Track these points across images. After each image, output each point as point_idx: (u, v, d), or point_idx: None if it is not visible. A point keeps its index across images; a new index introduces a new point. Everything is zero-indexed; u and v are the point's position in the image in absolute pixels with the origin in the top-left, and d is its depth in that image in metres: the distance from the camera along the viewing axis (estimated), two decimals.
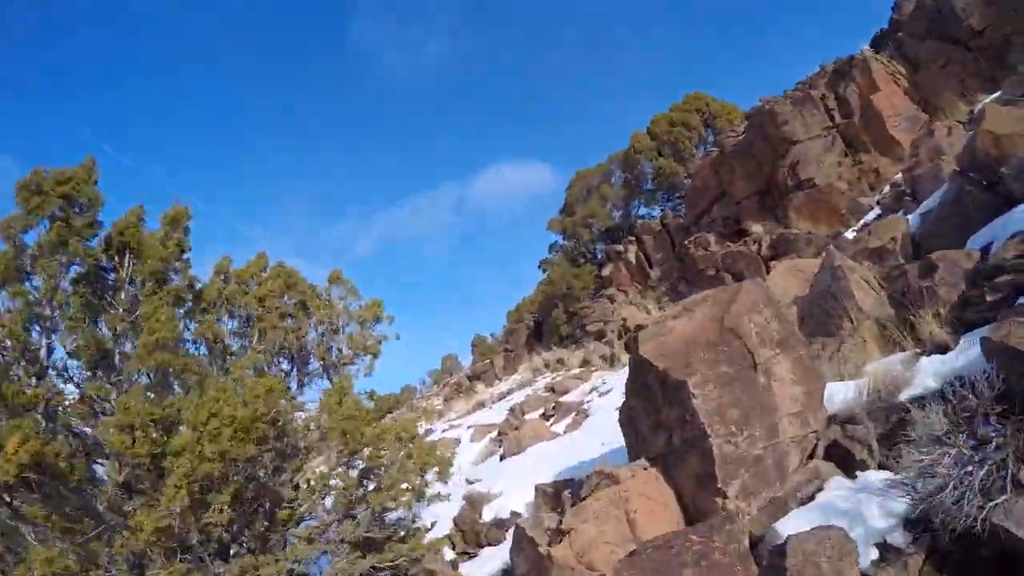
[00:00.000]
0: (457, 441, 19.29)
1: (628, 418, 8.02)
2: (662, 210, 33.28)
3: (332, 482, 7.92)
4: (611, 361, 21.91)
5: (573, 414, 15.20)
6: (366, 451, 7.99)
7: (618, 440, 11.07)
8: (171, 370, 7.79)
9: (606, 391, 16.45)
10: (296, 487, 8.12)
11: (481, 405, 26.52)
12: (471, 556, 10.83)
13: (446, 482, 9.15)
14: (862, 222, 16.05)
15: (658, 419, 7.26)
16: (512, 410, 20.09)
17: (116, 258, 8.56)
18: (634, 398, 7.72)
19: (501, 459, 14.45)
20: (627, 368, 8.35)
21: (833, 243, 16.80)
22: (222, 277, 9.75)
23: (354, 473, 8.22)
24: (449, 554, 10.87)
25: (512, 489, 11.55)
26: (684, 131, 33.27)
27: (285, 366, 10.08)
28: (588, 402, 16.17)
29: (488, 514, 11.38)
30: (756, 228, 21.34)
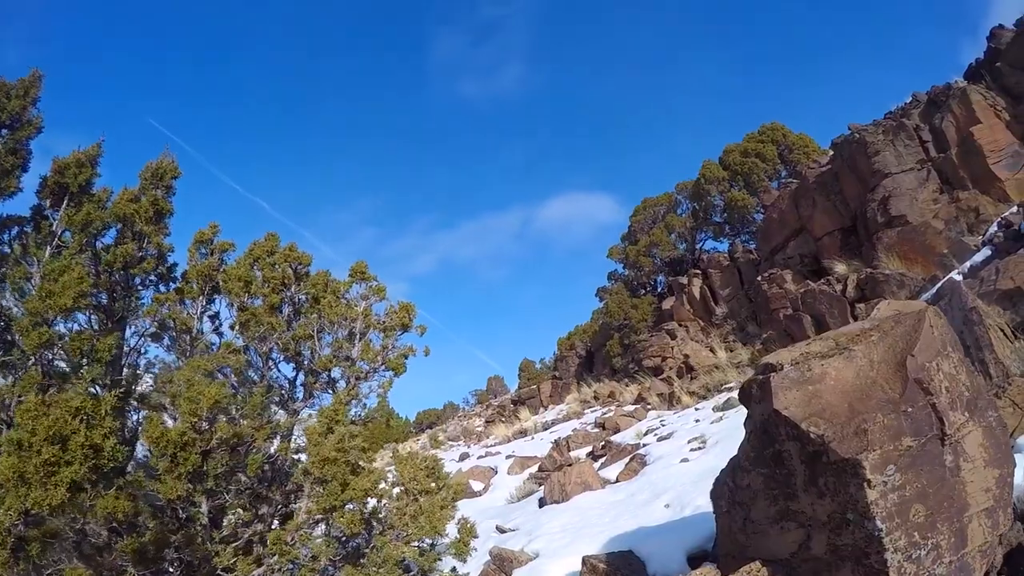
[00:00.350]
0: (493, 470, 17.85)
1: (733, 494, 5.86)
2: (731, 244, 31.40)
3: (300, 549, 6.22)
4: (669, 401, 20.19)
5: (627, 459, 13.48)
6: (348, 509, 6.33)
7: (688, 503, 9.40)
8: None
9: (666, 435, 14.76)
10: (245, 546, 6.46)
11: (523, 433, 25.04)
12: None
13: (464, 560, 7.54)
14: (968, 264, 14.14)
15: (790, 507, 5.12)
16: (557, 443, 18.56)
17: (49, 203, 7.25)
18: (753, 469, 5.48)
19: (540, 505, 12.76)
20: (720, 417, 6.71)
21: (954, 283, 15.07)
22: (204, 250, 8.31)
23: (327, 536, 6.61)
24: None
25: (552, 551, 9.78)
26: (759, 162, 31.41)
27: (289, 372, 8.60)
28: (644, 446, 14.46)
29: None
30: (839, 267, 19.48)
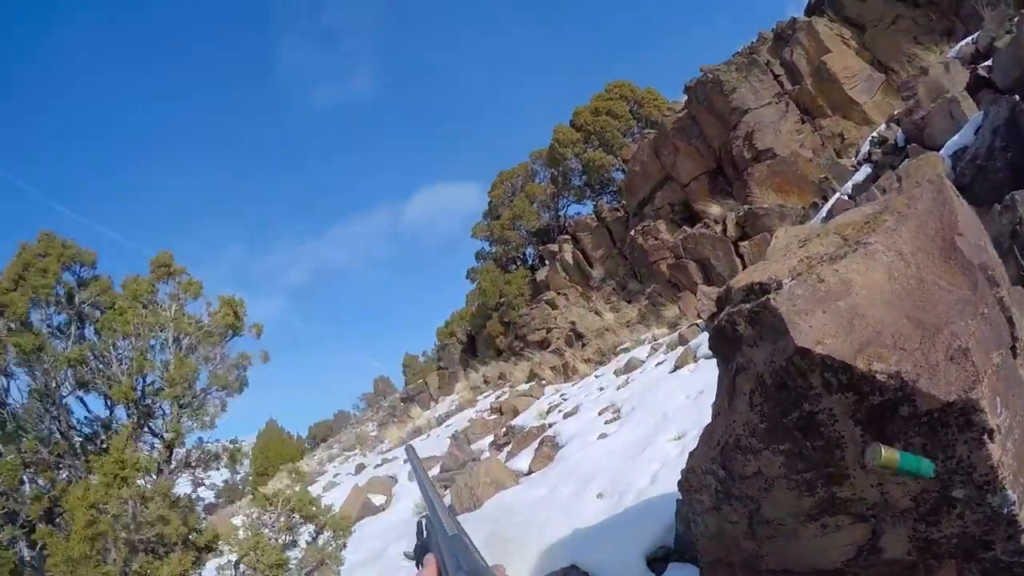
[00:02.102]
0: (393, 479, 16.46)
1: (726, 485, 4.33)
2: (595, 204, 30.85)
3: None
4: (565, 372, 19.26)
5: (536, 444, 12.32)
6: None
7: (625, 489, 8.12)
8: None
9: (571, 410, 13.74)
10: None
11: (418, 432, 23.68)
12: None
13: None
14: (849, 184, 13.78)
15: (836, 495, 3.57)
16: (455, 438, 17.33)
17: None
18: (765, 448, 3.85)
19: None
20: (658, 378, 5.42)
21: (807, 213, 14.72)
22: None
23: None
24: None
25: None
26: (610, 120, 31.00)
27: (101, 409, 6.96)
28: (551, 425, 13.38)
29: None
30: (714, 209, 19.04)
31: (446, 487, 12.77)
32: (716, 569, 4.70)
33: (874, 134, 15.11)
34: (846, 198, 12.97)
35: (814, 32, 18.68)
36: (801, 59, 18.87)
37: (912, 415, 3.08)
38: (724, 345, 4.11)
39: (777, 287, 3.67)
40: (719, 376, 4.48)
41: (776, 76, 19.48)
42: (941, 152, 10.15)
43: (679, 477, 5.27)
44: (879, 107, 17.33)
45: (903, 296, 3.47)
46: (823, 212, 13.37)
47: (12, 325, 6.65)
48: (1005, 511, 3.01)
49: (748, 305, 3.78)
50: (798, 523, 3.86)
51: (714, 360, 11.50)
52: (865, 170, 13.68)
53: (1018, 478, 3.09)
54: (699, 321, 14.25)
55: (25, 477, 6.22)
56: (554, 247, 29.29)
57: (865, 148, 15.01)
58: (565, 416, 13.58)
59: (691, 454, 4.82)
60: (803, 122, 18.51)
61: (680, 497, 6.17)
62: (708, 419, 8.90)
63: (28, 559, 6.07)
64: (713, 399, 8.90)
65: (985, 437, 2.94)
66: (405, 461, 18.02)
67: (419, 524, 1.47)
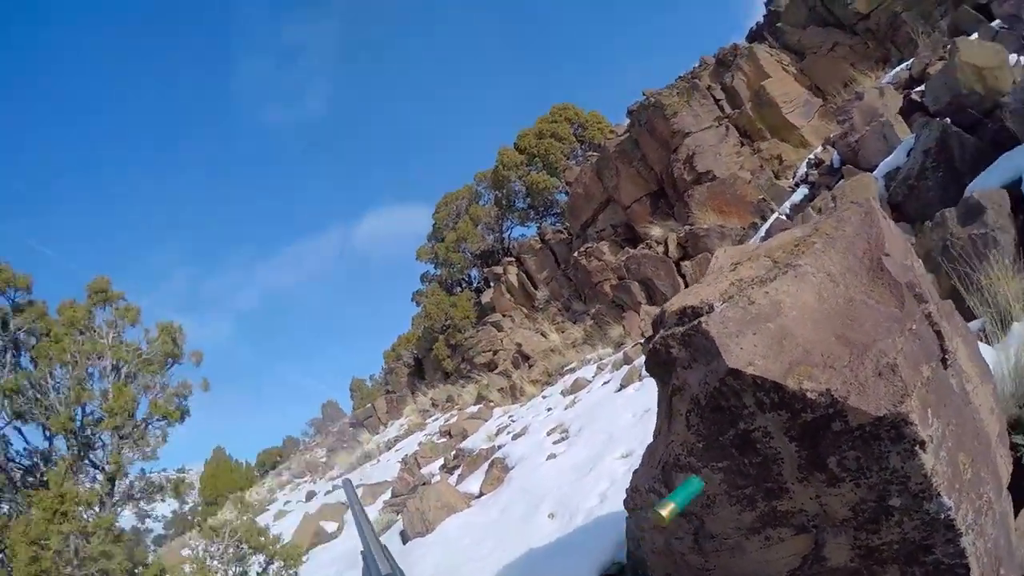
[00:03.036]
0: (345, 506, 16.20)
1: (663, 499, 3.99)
2: (539, 226, 31.06)
3: None
4: (512, 393, 19.30)
5: (486, 466, 12.30)
6: None
7: (576, 509, 8.09)
8: None
9: (520, 431, 13.75)
10: None
11: (367, 457, 23.47)
12: None
13: None
14: (787, 204, 14.14)
15: (777, 508, 3.68)
16: (405, 462, 17.25)
17: None
18: (704, 466, 3.94)
19: (404, 540, 11.07)
20: (605, 398, 5.48)
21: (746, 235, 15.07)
22: None
23: None
24: None
25: None
26: (554, 142, 31.28)
27: (40, 441, 6.81)
28: (500, 447, 13.36)
29: None
30: (655, 230, 19.35)
31: (397, 512, 12.66)
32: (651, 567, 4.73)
33: (811, 156, 15.54)
34: (784, 218, 13.31)
35: (755, 58, 19.23)
36: (742, 84, 19.39)
37: (844, 430, 3.17)
38: (659, 368, 4.10)
39: (709, 310, 3.72)
40: (658, 397, 4.47)
41: (717, 100, 19.97)
42: (875, 173, 10.51)
43: (625, 496, 5.35)
44: (816, 131, 17.86)
45: (832, 315, 3.59)
46: (762, 232, 13.69)
47: None
48: (942, 516, 3.10)
49: (681, 328, 3.81)
50: (742, 537, 3.90)
51: None
52: (802, 191, 14.05)
53: (953, 484, 3.22)
54: (642, 340, 14.43)
55: None
56: (499, 269, 29.37)
57: (802, 170, 15.44)
58: (514, 437, 13.55)
59: (635, 473, 4.84)
60: (743, 145, 18.98)
61: (628, 515, 6.28)
62: (652, 438, 9.00)
63: None
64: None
65: (917, 448, 3.04)
66: (356, 487, 17.85)
67: (363, 557, 1.51)
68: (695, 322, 3.67)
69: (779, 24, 21.06)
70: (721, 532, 3.98)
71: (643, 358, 12.38)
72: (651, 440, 5.06)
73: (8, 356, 7.10)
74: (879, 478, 3.18)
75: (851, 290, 3.69)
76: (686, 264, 16.92)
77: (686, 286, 16.72)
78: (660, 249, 18.13)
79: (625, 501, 4.89)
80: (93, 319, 7.05)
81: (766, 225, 13.88)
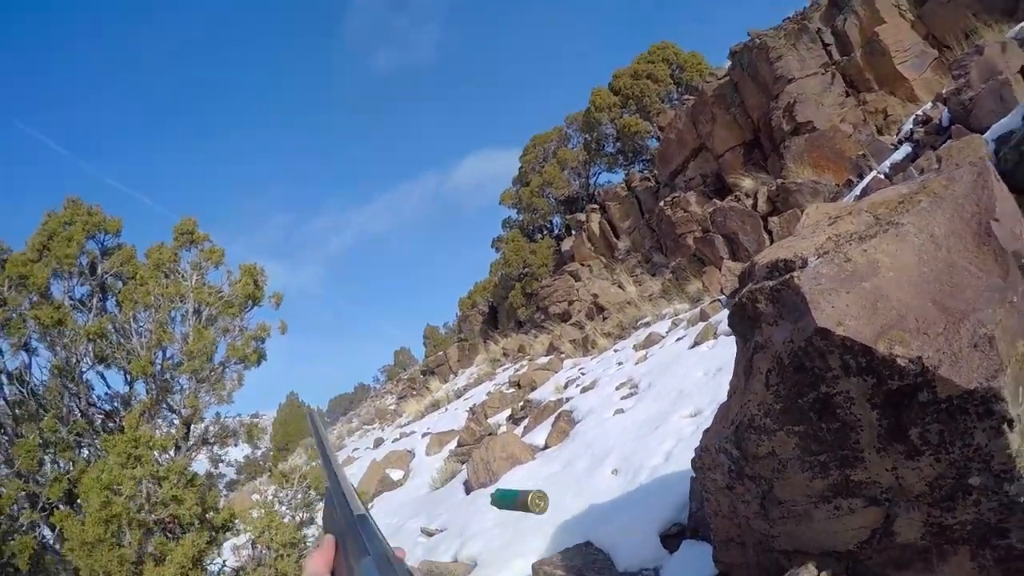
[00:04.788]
0: (411, 453, 16.27)
1: (739, 465, 4.12)
2: (627, 173, 30.10)
3: None
4: (584, 346, 18.80)
5: (552, 418, 11.99)
6: None
7: (640, 465, 7.96)
8: None
9: (589, 384, 13.33)
10: None
11: (436, 405, 23.45)
12: None
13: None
14: (887, 163, 13.09)
15: (850, 478, 3.46)
16: (473, 411, 17.09)
17: None
18: (779, 429, 3.70)
19: (467, 490, 11.08)
20: (665, 355, 5.08)
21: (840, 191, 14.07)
22: None
23: None
24: None
25: (490, 556, 7.96)
26: (650, 84, 29.98)
27: (121, 385, 6.64)
28: (568, 400, 13.00)
29: None
30: (746, 182, 18.31)
31: (462, 462, 12.62)
32: (728, 547, 4.62)
33: (919, 112, 14.39)
34: (882, 177, 12.32)
35: (870, 1, 17.81)
36: (854, 28, 18.00)
37: (931, 401, 3.01)
38: (743, 323, 3.95)
39: (802, 265, 3.55)
40: (736, 354, 4.35)
41: (826, 45, 18.61)
42: (985, 135, 9.51)
43: (693, 455, 5.02)
44: (928, 85, 16.49)
45: (931, 280, 3.35)
46: (857, 190, 12.72)
47: (33, 298, 6.42)
48: (1022, 499, 2.92)
49: (771, 283, 3.66)
50: (811, 504, 3.74)
51: (733, 338, 10.91)
52: (905, 149, 13.02)
53: None
54: (721, 297, 13.72)
55: (46, 458, 6.07)
56: (581, 216, 28.66)
57: (908, 126, 14.32)
58: (583, 390, 13.22)
59: (705, 432, 4.78)
60: (847, 95, 17.69)
61: (694, 475, 5.99)
62: (724, 397, 8.49)
63: (50, 543, 5.92)
64: (730, 377, 8.46)
65: (1004, 426, 2.86)
66: (424, 435, 17.75)
67: (327, 498, 1.18)
68: (786, 276, 3.51)
69: None
70: (790, 499, 3.84)
71: (720, 315, 11.83)
72: (724, 399, 4.79)
73: (95, 300, 7.15)
74: (961, 454, 3.02)
75: (954, 254, 3.44)
76: (774, 220, 15.95)
77: (772, 243, 15.82)
78: (749, 202, 17.18)
79: (693, 460, 4.83)
80: (178, 261, 7.03)
81: (862, 184, 12.90)
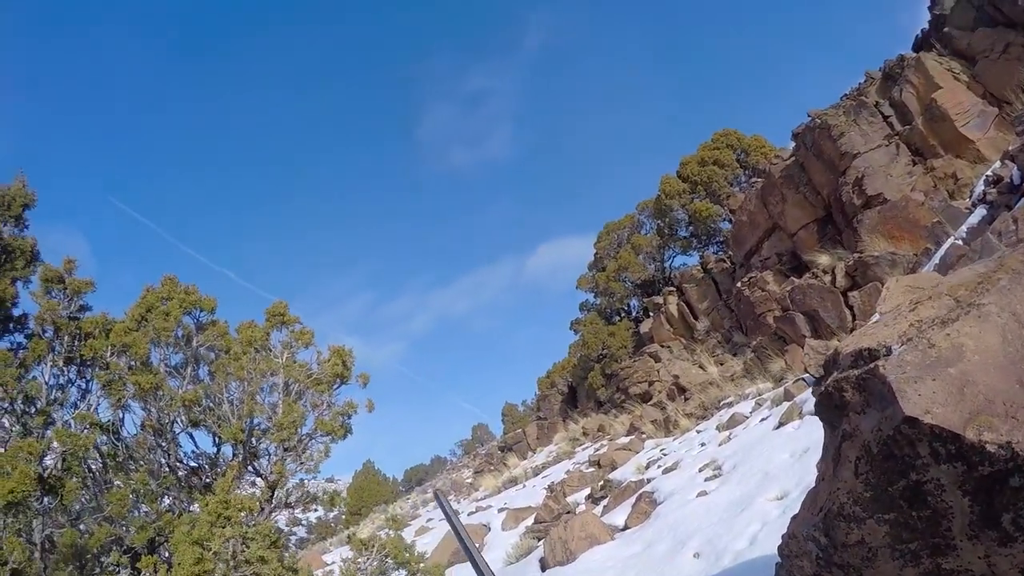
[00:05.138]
0: (486, 528, 16.28)
1: (828, 553, 4.07)
2: (702, 256, 30.26)
3: None
4: (666, 426, 18.76)
5: (633, 499, 11.96)
6: None
7: (723, 549, 7.87)
8: None
9: (671, 465, 13.29)
10: None
11: (513, 481, 23.48)
12: None
13: None
14: (964, 227, 13.04)
15: (941, 567, 3.39)
16: (551, 489, 17.10)
17: None
18: (868, 517, 3.65)
19: (543, 567, 11.07)
20: (755, 438, 5.11)
21: (921, 259, 13.98)
22: (56, 292, 6.84)
23: None
24: None
25: None
26: (717, 169, 30.43)
27: (209, 447, 7.07)
28: (649, 481, 12.97)
29: None
30: (822, 259, 18.33)
31: (538, 538, 12.62)
32: None
33: (988, 172, 14.33)
34: (960, 242, 12.27)
35: (923, 68, 17.92)
36: (911, 97, 18.11)
37: (1023, 486, 2.88)
38: (830, 412, 3.94)
39: (886, 353, 3.50)
40: (824, 441, 4.31)
41: (885, 117, 18.73)
42: None
43: (779, 540, 5.00)
44: (993, 143, 16.39)
45: (1017, 360, 3.25)
46: (935, 258, 12.68)
47: (133, 363, 6.93)
48: None
49: (856, 372, 3.62)
50: None
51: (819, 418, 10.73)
52: (980, 212, 12.96)
53: None
54: (805, 375, 13.62)
55: (132, 506, 6.46)
56: (659, 299, 28.78)
57: (979, 188, 14.29)
58: (664, 471, 13.17)
59: (793, 519, 4.59)
60: (914, 164, 17.67)
61: (779, 561, 5.90)
62: (812, 479, 8.38)
63: None
64: (817, 458, 8.37)
65: None
66: (500, 510, 17.77)
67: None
68: (871, 365, 3.48)
69: (945, 29, 19.40)
70: None
71: (805, 394, 11.75)
72: (812, 481, 4.75)
73: (189, 369, 7.55)
74: None
75: None
76: (854, 294, 15.90)
77: (853, 318, 15.76)
78: (827, 278, 17.16)
79: (780, 547, 4.62)
80: (269, 340, 7.40)
81: (941, 251, 12.85)
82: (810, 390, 12.05)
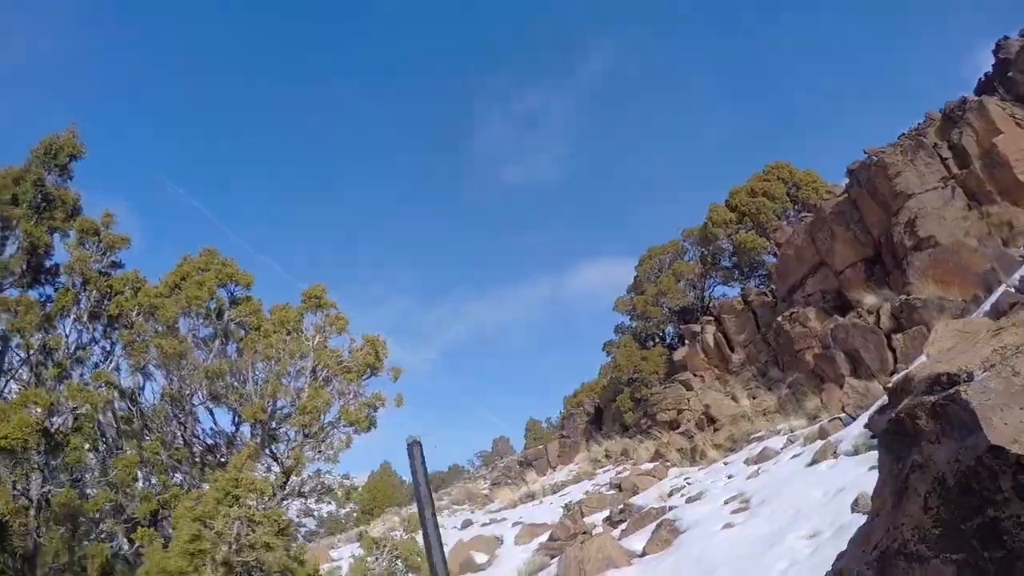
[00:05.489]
0: (499, 540, 16.12)
1: None
2: (743, 287, 29.82)
3: None
4: (692, 456, 18.42)
5: (653, 525, 11.70)
6: None
7: None
8: None
9: (695, 495, 13.00)
10: None
11: (531, 496, 23.27)
12: None
13: None
14: (1017, 276, 12.60)
15: None
16: (569, 508, 16.82)
17: None
18: (935, 556, 3.35)
19: None
20: (779, 471, 4.86)
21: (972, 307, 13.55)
22: (90, 243, 6.73)
23: None
24: None
25: None
26: (767, 201, 29.93)
27: (227, 424, 6.93)
28: (671, 509, 12.68)
29: None
30: (868, 299, 17.90)
31: (551, 556, 12.42)
32: None
33: None
34: (1012, 290, 11.83)
35: (985, 112, 17.47)
36: (970, 141, 17.63)
37: None
38: (897, 440, 3.69)
39: (968, 379, 3.26)
40: (882, 474, 4.06)
41: (943, 159, 18.25)
42: None
43: None
44: None
45: None
46: (986, 306, 12.26)
47: (159, 328, 6.84)
48: None
49: (932, 397, 3.39)
50: None
51: (856, 458, 10.62)
52: None
53: None
54: (842, 415, 13.24)
55: (140, 474, 6.35)
56: (696, 327, 28.40)
57: None
58: (688, 500, 12.90)
59: (839, 556, 4.37)
60: (969, 208, 17.18)
61: None
62: (847, 519, 8.17)
63: (124, 553, 6.12)
64: (852, 499, 8.11)
65: None
66: (515, 524, 17.53)
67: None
68: (951, 391, 3.23)
69: (1009, 74, 19.00)
70: None
71: (841, 434, 11.40)
72: (846, 521, 4.48)
73: (217, 343, 7.51)
74: None
75: None
76: (897, 337, 15.46)
77: (895, 361, 15.32)
78: (871, 319, 16.73)
79: None
80: (302, 322, 7.36)
81: (992, 298, 12.44)
82: (847, 429, 11.71)
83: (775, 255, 27.71)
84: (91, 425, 6.32)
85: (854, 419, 12.27)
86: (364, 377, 7.01)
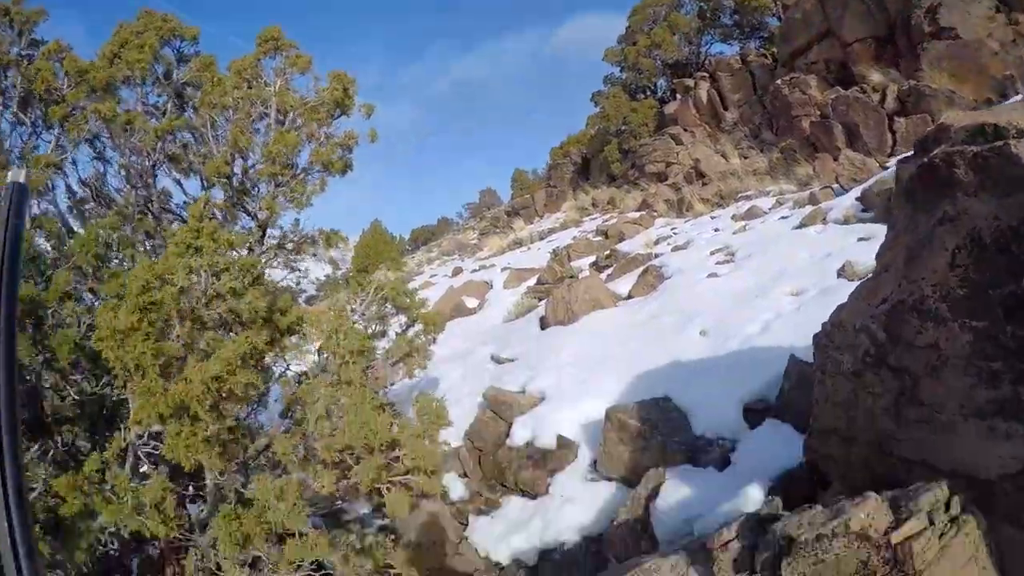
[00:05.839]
0: (488, 284, 16.79)
1: (883, 351, 3.62)
2: (742, 47, 29.18)
3: None
4: (679, 207, 18.98)
5: (639, 270, 12.21)
6: None
7: (732, 332, 7.88)
8: None
9: (682, 244, 13.58)
10: None
11: (519, 244, 23.95)
12: (486, 510, 7.56)
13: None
14: None
15: (1021, 396, 2.98)
16: (556, 253, 17.44)
17: None
18: (952, 320, 3.19)
19: (543, 326, 11.26)
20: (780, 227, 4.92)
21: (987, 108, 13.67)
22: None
23: None
24: (458, 488, 7.80)
25: (561, 392, 8.07)
26: None
27: (195, 188, 6.73)
28: (657, 256, 13.24)
29: (521, 431, 7.79)
30: (875, 76, 17.79)
31: (539, 298, 12.92)
32: (828, 439, 4.05)
33: None
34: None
35: None
36: None
37: None
38: (928, 190, 3.44)
39: (1017, 135, 3.01)
40: (898, 226, 3.89)
41: None
42: None
43: (793, 332, 4.94)
44: None
45: None
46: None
47: (96, 95, 6.40)
48: None
49: (975, 148, 3.12)
50: (959, 416, 3.19)
51: (845, 227, 10.97)
52: None
53: None
54: (835, 185, 13.64)
55: (111, 256, 5.92)
56: (690, 82, 28.00)
57: None
58: (674, 249, 13.44)
59: (839, 307, 4.25)
60: (998, 11, 16.62)
61: (793, 352, 5.99)
62: (832, 283, 8.48)
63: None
64: (839, 266, 8.31)
65: None
66: (503, 269, 17.97)
67: None
68: (998, 144, 3.00)
69: None
70: (936, 403, 3.30)
71: (832, 203, 11.82)
72: (832, 284, 4.59)
73: (169, 106, 7.04)
74: None
75: None
76: (900, 120, 15.58)
77: (894, 144, 15.51)
78: (875, 97, 16.73)
79: (816, 336, 4.36)
80: (260, 68, 6.79)
81: (1008, 103, 12.55)
82: (839, 199, 12.12)
83: (779, 18, 26.97)
84: (45, 215, 6.00)
85: (846, 191, 12.62)
86: (334, 117, 6.66)
